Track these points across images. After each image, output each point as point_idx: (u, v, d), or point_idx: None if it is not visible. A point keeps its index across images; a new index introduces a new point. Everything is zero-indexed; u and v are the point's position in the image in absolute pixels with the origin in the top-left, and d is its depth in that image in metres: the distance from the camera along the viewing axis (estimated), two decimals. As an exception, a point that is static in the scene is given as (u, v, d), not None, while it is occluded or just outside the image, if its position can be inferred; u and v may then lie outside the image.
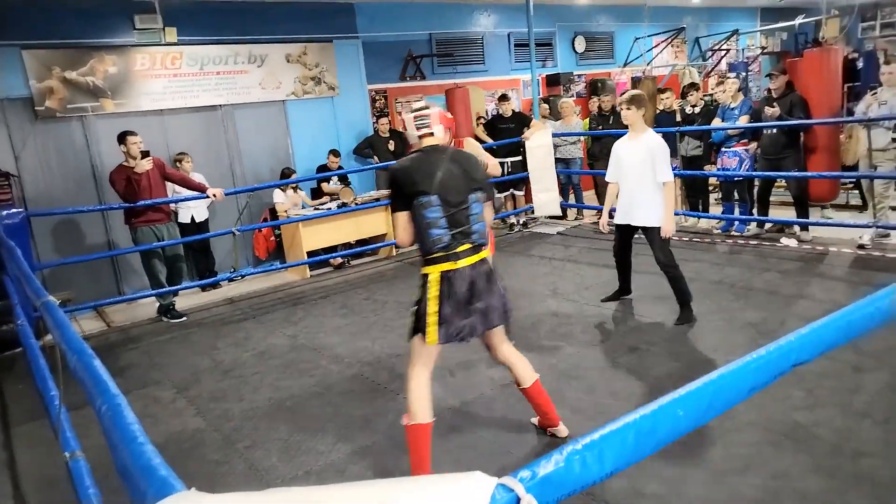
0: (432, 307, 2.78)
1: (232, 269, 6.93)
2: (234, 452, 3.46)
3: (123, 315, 6.46)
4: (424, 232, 2.79)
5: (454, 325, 2.80)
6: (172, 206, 6.48)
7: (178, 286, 6.38)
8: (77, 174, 6.80)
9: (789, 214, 6.82)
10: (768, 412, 3.18)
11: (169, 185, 6.32)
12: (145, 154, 5.82)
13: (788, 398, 3.29)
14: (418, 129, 3.02)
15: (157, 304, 6.26)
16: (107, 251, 6.81)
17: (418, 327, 2.84)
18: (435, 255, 2.79)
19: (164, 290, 6.14)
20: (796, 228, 6.66)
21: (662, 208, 4.46)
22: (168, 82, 7.17)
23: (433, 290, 2.78)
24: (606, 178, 4.87)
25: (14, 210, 5.19)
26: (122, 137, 5.78)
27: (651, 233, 4.55)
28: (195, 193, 6.18)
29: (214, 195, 6.03)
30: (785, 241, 6.43)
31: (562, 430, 3.22)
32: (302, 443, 3.47)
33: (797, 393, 3.34)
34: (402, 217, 2.84)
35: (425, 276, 2.83)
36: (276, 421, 3.76)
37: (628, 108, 4.48)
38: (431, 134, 3.01)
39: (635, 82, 8.41)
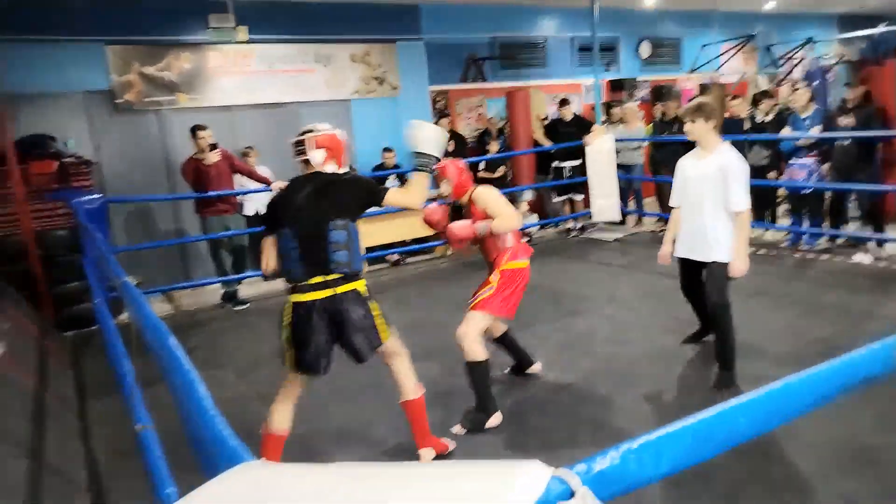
0: (285, 334, 2.85)
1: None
2: (291, 437, 3.55)
3: (190, 300, 6.75)
4: (280, 262, 2.88)
5: (309, 355, 2.80)
6: (238, 198, 6.71)
7: (243, 275, 6.61)
8: (151, 164, 7.14)
9: (865, 230, 6.52)
10: (835, 433, 3.06)
11: (236, 177, 6.56)
12: (213, 147, 6.06)
13: (858, 420, 3.15)
14: (295, 155, 2.99)
15: (222, 291, 6.51)
16: (177, 238, 7.11)
17: (283, 354, 2.91)
18: (290, 286, 2.84)
19: (229, 277, 6.38)
20: (871, 244, 6.35)
21: (732, 241, 3.65)
22: (238, 79, 7.44)
23: (286, 319, 2.84)
24: (671, 203, 4.08)
25: (94, 196, 5.48)
26: (193, 131, 6.05)
27: (711, 267, 3.74)
28: (261, 186, 6.39)
29: (279, 188, 6.22)
30: (858, 257, 6.14)
31: (427, 454, 3.18)
32: (356, 432, 3.55)
33: (867, 415, 3.19)
34: (266, 243, 2.96)
35: (286, 304, 2.87)
36: (331, 409, 3.85)
37: (692, 122, 3.66)
38: (307, 161, 2.94)
39: (703, 89, 8.20)
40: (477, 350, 3.45)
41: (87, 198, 5.30)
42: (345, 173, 3.01)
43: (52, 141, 6.02)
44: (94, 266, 5.01)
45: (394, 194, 2.95)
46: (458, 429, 3.48)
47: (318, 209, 2.82)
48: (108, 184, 6.82)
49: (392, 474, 0.79)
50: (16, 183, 5.34)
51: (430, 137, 3.01)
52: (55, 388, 3.88)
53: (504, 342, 4.08)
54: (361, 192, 2.92)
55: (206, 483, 0.85)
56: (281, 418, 3.01)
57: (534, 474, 0.78)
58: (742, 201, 3.57)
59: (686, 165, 3.88)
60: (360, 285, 2.84)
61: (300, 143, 2.95)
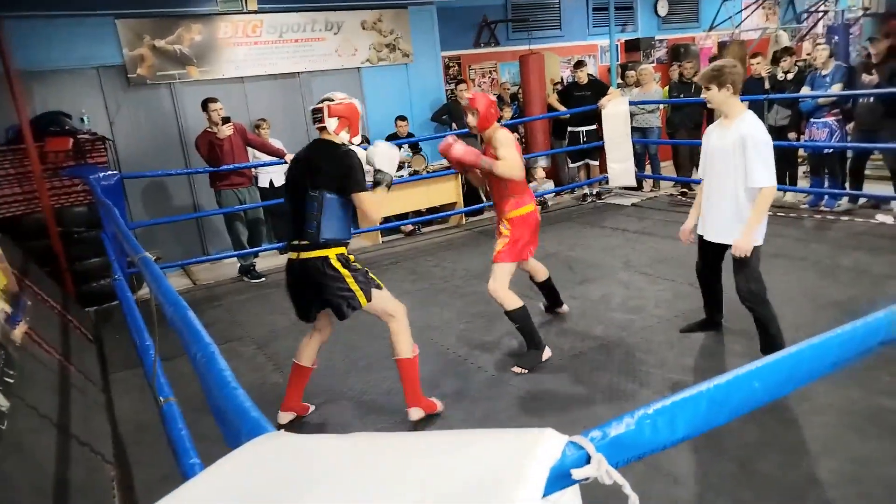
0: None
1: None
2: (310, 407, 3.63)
3: (207, 274, 6.83)
4: None
5: (297, 306, 3.24)
6: (252, 170, 6.73)
7: (259, 248, 6.67)
8: (165, 138, 7.16)
9: (886, 189, 6.39)
10: (851, 395, 3.05)
11: (249, 150, 6.56)
12: (226, 120, 6.05)
13: (874, 382, 3.14)
14: (314, 122, 3.17)
15: (239, 265, 6.58)
16: (193, 213, 7.17)
17: None
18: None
19: (245, 251, 6.44)
20: (893, 204, 6.23)
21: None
22: (249, 50, 7.39)
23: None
24: (697, 175, 3.87)
25: (110, 172, 5.52)
26: (204, 104, 6.04)
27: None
28: (274, 159, 6.39)
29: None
30: (880, 217, 6.04)
31: (415, 413, 3.31)
32: (374, 401, 3.61)
33: (884, 377, 3.18)
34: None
35: None
36: (349, 380, 3.91)
37: (708, 89, 3.33)
38: (324, 128, 3.12)
39: (721, 47, 7.99)
40: (511, 299, 3.75)
41: (103, 174, 5.34)
42: (346, 148, 3.09)
43: (68, 118, 6.05)
44: (112, 242, 5.08)
45: (365, 196, 3.03)
46: (518, 370, 3.75)
47: (303, 177, 3.05)
48: (123, 159, 6.86)
49: (409, 443, 0.80)
50: (33, 160, 5.39)
51: (386, 155, 3.18)
52: (78, 362, 3.97)
53: (546, 285, 4.40)
54: (339, 175, 3.00)
55: (228, 453, 0.87)
56: (304, 354, 3.42)
57: (549, 441, 0.79)
58: (762, 176, 3.20)
59: (711, 134, 3.52)
60: (331, 253, 3.02)
61: (317, 110, 3.12)
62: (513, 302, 3.74)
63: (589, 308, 4.66)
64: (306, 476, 0.75)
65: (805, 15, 11.58)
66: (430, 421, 3.32)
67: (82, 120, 6.54)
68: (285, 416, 3.47)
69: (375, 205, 3.09)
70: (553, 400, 3.43)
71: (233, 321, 5.26)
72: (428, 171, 7.59)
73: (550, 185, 8.37)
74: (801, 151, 7.31)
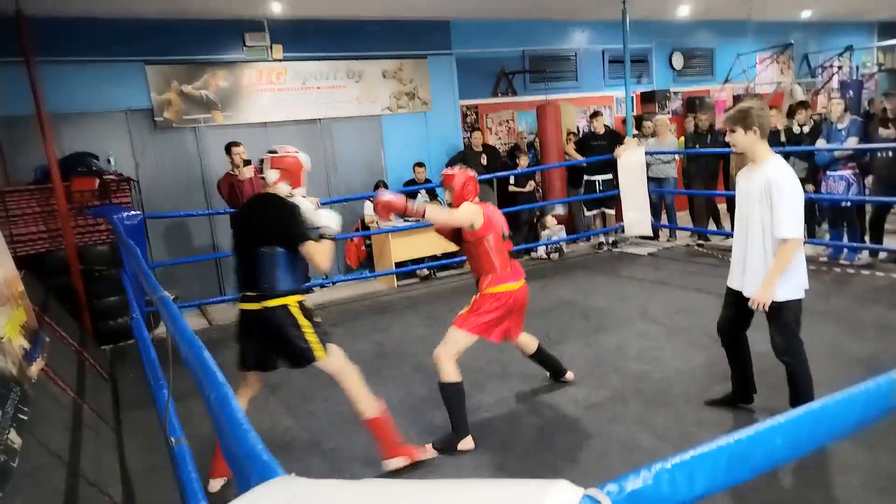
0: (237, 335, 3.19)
1: (324, 276, 7.19)
2: (320, 453, 3.59)
3: (224, 314, 6.85)
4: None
5: (247, 355, 3.16)
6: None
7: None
8: (188, 180, 7.31)
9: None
10: (877, 458, 2.96)
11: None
12: (247, 162, 6.19)
13: (900, 442, 3.04)
14: (259, 172, 3.25)
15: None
16: (212, 253, 7.25)
17: None
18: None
19: (260, 292, 6.47)
20: (915, 259, 6.16)
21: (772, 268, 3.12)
22: (272, 96, 7.59)
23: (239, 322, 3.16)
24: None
25: (133, 212, 5.63)
26: (227, 148, 6.20)
27: (771, 307, 3.17)
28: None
29: (312, 203, 6.32)
30: (901, 271, 5.96)
31: (394, 463, 3.25)
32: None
33: (911, 436, 3.08)
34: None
35: None
36: (359, 425, 3.86)
37: (732, 131, 3.16)
38: (263, 179, 3.18)
39: (736, 100, 8.08)
40: (451, 371, 3.47)
41: (126, 213, 5.44)
42: (288, 201, 3.10)
43: (94, 159, 6.21)
44: (132, 280, 5.13)
45: (311, 246, 3.00)
46: (429, 448, 3.45)
47: (250, 231, 3.08)
48: (146, 199, 6.99)
49: (421, 490, 0.79)
50: (59, 199, 5.52)
51: (330, 217, 3.16)
52: (92, 400, 3.97)
53: (537, 357, 4.10)
54: (281, 229, 3.01)
55: (239, 497, 0.87)
56: None
57: (564, 493, 0.77)
58: (789, 227, 3.00)
59: (740, 180, 3.34)
60: (290, 301, 3.01)
61: (262, 161, 3.20)
62: (451, 375, 3.46)
63: (605, 357, 4.60)
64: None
65: (820, 70, 11.70)
66: (439, 471, 3.25)
67: (108, 161, 6.71)
68: (216, 484, 3.21)
69: (323, 254, 3.03)
70: (567, 451, 3.36)
71: (246, 362, 5.25)
72: (444, 217, 7.64)
73: (563, 232, 8.40)
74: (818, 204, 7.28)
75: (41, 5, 5.75)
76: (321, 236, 3.08)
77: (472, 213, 3.52)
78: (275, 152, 3.19)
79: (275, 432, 3.86)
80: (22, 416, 2.60)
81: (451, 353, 3.48)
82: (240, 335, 3.16)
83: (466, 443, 3.47)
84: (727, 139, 3.29)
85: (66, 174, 5.66)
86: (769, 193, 3.04)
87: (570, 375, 4.22)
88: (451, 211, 3.58)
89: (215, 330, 6.37)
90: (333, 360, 3.12)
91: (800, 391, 3.24)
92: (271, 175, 3.14)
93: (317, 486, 0.85)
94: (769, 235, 3.09)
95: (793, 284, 3.13)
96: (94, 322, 5.77)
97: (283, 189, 3.13)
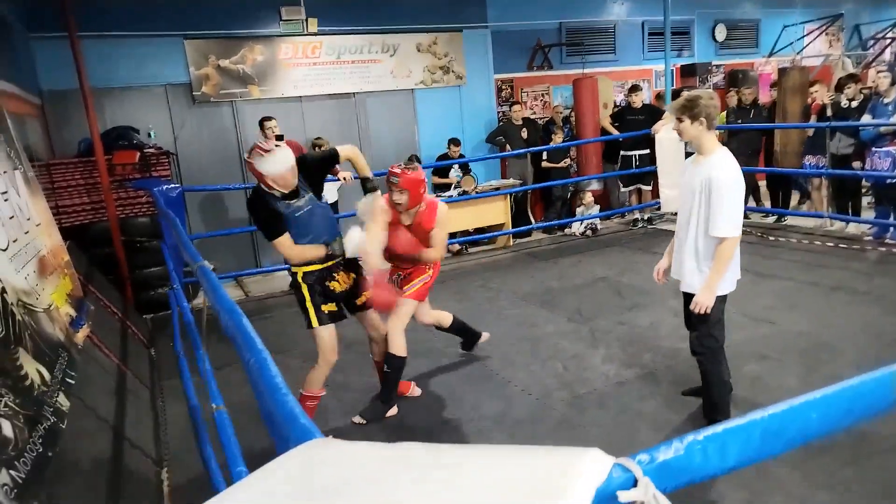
0: None
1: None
2: (352, 423, 3.66)
3: (260, 286, 7.00)
4: None
5: None
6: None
7: (309, 263, 6.79)
8: (225, 154, 7.42)
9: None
10: (916, 438, 2.89)
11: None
12: (279, 138, 6.23)
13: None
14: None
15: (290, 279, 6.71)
16: (248, 226, 7.37)
17: None
18: None
19: (295, 265, 6.57)
20: (965, 239, 5.93)
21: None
22: (308, 70, 7.61)
23: None
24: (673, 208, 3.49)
25: (173, 185, 5.76)
26: (261, 123, 6.27)
27: (693, 302, 3.03)
28: (328, 176, 6.52)
29: (344, 178, 6.34)
30: (950, 252, 5.75)
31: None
32: (416, 422, 3.62)
33: (954, 420, 3.00)
34: None
35: None
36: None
37: (680, 120, 3.02)
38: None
39: (782, 73, 7.81)
40: (401, 345, 3.68)
41: (166, 186, 5.56)
42: (257, 199, 3.29)
43: (135, 132, 6.34)
44: (172, 252, 5.27)
45: (277, 245, 3.29)
46: (357, 419, 3.67)
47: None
48: (184, 173, 7.13)
49: (457, 454, 0.81)
50: (102, 172, 5.66)
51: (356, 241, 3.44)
52: (134, 367, 4.11)
53: (452, 328, 4.27)
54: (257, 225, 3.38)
55: (277, 457, 0.90)
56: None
57: (596, 461, 0.78)
58: (723, 226, 2.85)
59: (685, 170, 3.22)
60: (298, 270, 3.39)
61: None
62: (401, 349, 3.66)
63: (637, 335, 4.57)
64: (354, 481, 0.76)
65: (871, 42, 11.21)
66: (470, 441, 3.30)
67: (149, 135, 6.85)
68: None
69: (286, 252, 3.32)
70: (597, 426, 3.37)
71: (282, 333, 5.36)
72: (477, 192, 7.63)
73: (597, 209, 8.30)
74: (864, 181, 7.05)
75: (83, -20, 5.85)
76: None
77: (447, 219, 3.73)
78: (250, 154, 3.31)
79: (309, 401, 3.95)
80: (69, 381, 2.72)
81: (404, 324, 3.70)
82: None
83: (392, 410, 3.74)
84: (673, 128, 3.17)
85: (108, 148, 5.80)
86: (709, 189, 2.88)
87: (485, 335, 4.45)
88: (439, 244, 3.75)
89: (251, 301, 6.51)
90: (318, 333, 3.40)
91: (710, 395, 3.16)
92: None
93: (355, 447, 0.87)
94: (702, 232, 2.95)
95: (726, 281, 3.00)
96: (135, 292, 5.95)
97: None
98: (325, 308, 3.40)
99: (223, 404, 2.48)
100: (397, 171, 3.58)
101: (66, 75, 5.78)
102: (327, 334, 3.40)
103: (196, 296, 6.28)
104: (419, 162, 7.92)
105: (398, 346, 3.66)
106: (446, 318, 4.20)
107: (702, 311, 2.98)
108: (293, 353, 4.82)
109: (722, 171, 2.88)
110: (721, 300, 3.04)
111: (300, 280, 3.39)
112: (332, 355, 3.42)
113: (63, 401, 2.55)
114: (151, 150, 6.11)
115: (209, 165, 7.31)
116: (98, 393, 3.16)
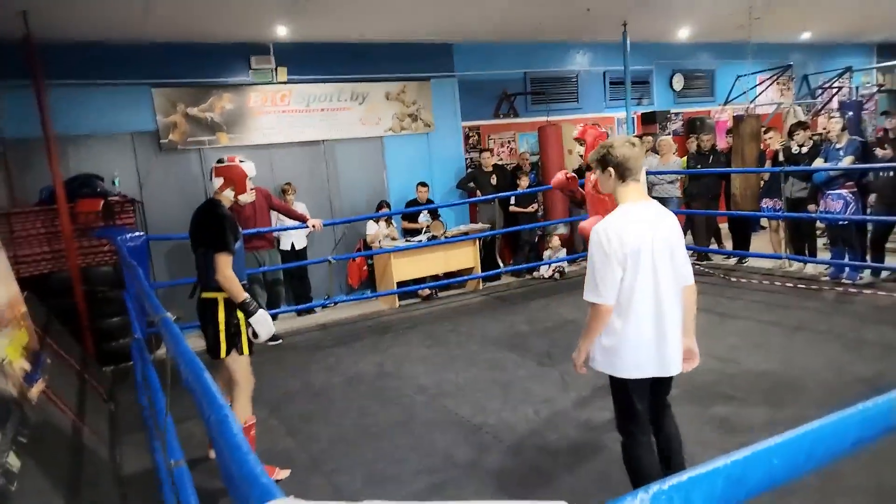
0: None
1: (326, 296, 7.20)
2: (321, 474, 3.57)
3: (225, 335, 6.84)
4: None
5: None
6: (275, 233, 6.85)
7: (276, 310, 6.70)
8: (192, 202, 7.29)
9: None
10: (881, 477, 2.93)
11: (273, 213, 6.70)
12: (249, 185, 6.21)
13: (906, 463, 3.01)
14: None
15: (256, 327, 6.59)
16: (213, 274, 7.26)
17: None
18: None
19: (262, 313, 6.47)
20: (918, 278, 6.15)
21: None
22: (277, 118, 7.66)
23: None
24: None
25: (137, 233, 5.66)
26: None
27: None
28: (297, 223, 6.51)
29: (314, 225, 6.33)
30: (904, 291, 5.94)
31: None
32: (385, 470, 3.53)
33: (916, 457, 3.05)
34: None
35: None
36: (360, 446, 3.85)
37: (594, 171, 2.88)
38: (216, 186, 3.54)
39: (737, 121, 8.13)
40: None
41: (130, 235, 5.47)
42: (218, 211, 3.41)
43: (100, 180, 6.26)
44: (134, 302, 5.14)
45: (220, 257, 3.25)
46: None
47: (192, 233, 3.49)
48: (150, 221, 7.03)
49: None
50: (63, 221, 5.55)
51: (264, 323, 3.40)
52: (92, 422, 3.96)
53: None
54: (204, 235, 3.37)
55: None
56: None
57: (560, 516, 0.77)
58: (588, 290, 2.58)
59: None
60: (219, 296, 3.36)
61: (211, 170, 3.59)
62: None
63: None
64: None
65: (819, 91, 11.77)
66: (440, 493, 3.23)
67: (114, 182, 6.77)
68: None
69: (224, 270, 3.27)
70: (568, 473, 3.33)
71: (247, 383, 5.23)
72: (446, 237, 7.67)
73: (564, 253, 8.42)
74: (819, 223, 7.29)
75: (50, 29, 5.85)
76: (242, 307, 3.35)
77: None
78: (221, 161, 3.57)
79: (274, 453, 3.84)
80: (21, 439, 2.60)
81: None
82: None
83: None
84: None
85: (71, 195, 5.70)
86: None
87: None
88: None
89: (217, 350, 6.35)
90: (234, 363, 3.42)
91: (631, 474, 2.71)
92: (215, 183, 3.52)
93: (314, 508, 0.85)
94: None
95: (609, 361, 2.64)
96: (96, 343, 5.77)
97: (227, 195, 3.52)
98: (235, 332, 3.44)
99: (182, 459, 2.40)
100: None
101: (30, 123, 5.71)
102: (244, 360, 3.48)
103: (159, 346, 6.12)
104: (388, 207, 7.98)
105: None
106: None
107: (577, 369, 2.75)
108: (259, 403, 4.70)
109: (596, 230, 2.55)
110: (624, 385, 2.64)
111: (219, 307, 3.37)
112: (250, 378, 3.54)
113: (13, 460, 2.43)
114: (116, 198, 6.03)
115: (176, 213, 7.21)
116: (52, 451, 3.02)
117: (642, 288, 2.51)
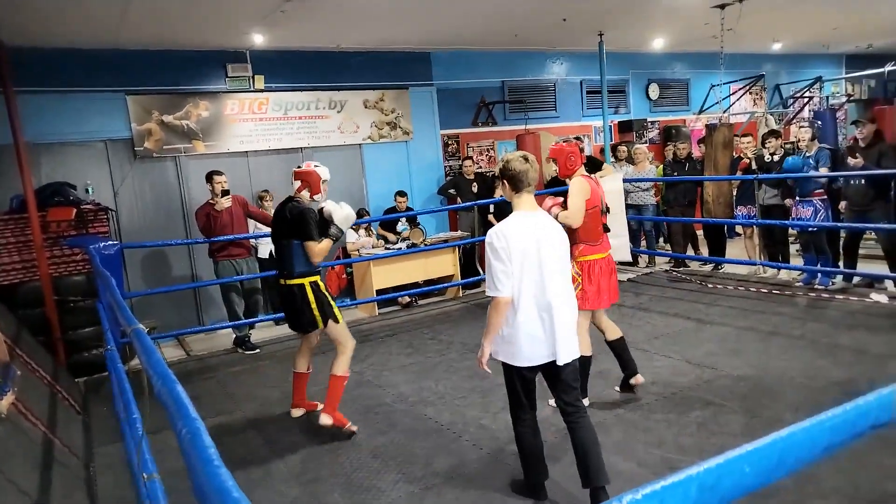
0: None
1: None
2: (299, 485, 3.53)
3: (202, 344, 6.76)
4: None
5: (289, 319, 4.15)
6: (253, 241, 6.79)
7: (254, 319, 6.63)
8: (168, 210, 7.27)
9: (880, 268, 6.44)
10: (856, 480, 2.97)
11: (251, 221, 6.64)
12: (226, 192, 6.16)
13: (880, 466, 3.06)
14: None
15: (234, 336, 6.52)
16: (190, 283, 7.18)
17: None
18: None
19: (241, 322, 6.40)
20: (888, 283, 6.27)
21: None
22: (254, 126, 7.61)
23: None
24: None
25: (110, 242, 5.57)
26: (209, 176, 6.18)
27: None
28: (273, 231, 6.46)
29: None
30: (875, 296, 6.06)
31: (325, 419, 3.99)
32: (364, 480, 3.50)
33: (890, 461, 3.11)
34: None
35: None
36: (339, 456, 3.81)
37: (499, 185, 3.12)
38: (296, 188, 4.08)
39: (711, 129, 8.25)
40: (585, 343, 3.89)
41: (103, 244, 5.38)
42: (304, 205, 3.97)
43: (72, 188, 6.16)
44: (107, 312, 5.05)
45: (311, 245, 3.88)
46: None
47: (279, 226, 4.05)
48: (125, 229, 6.93)
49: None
50: (34, 230, 5.44)
51: (346, 217, 4.07)
52: (63, 435, 3.87)
53: (614, 348, 4.33)
54: (295, 226, 3.91)
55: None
56: (300, 363, 4.39)
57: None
58: (488, 287, 2.92)
59: None
60: (305, 281, 3.95)
61: (291, 174, 4.17)
62: (587, 349, 3.97)
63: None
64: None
65: (791, 100, 12.02)
66: (419, 502, 3.21)
67: (87, 191, 6.66)
68: (296, 412, 4.46)
69: (317, 252, 3.89)
70: (549, 479, 3.33)
71: (225, 393, 5.17)
72: (425, 244, 7.67)
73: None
74: (792, 231, 7.42)
75: (22, 36, 5.75)
76: (328, 236, 3.94)
77: (581, 198, 3.97)
78: (299, 167, 4.13)
79: (251, 464, 3.80)
80: (-10, 453, 2.53)
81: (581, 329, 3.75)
82: (281, 305, 4.19)
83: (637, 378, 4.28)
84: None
85: (42, 204, 5.60)
86: None
87: (639, 379, 4.34)
88: (569, 212, 3.95)
89: (193, 360, 6.27)
90: (332, 330, 4.00)
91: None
92: (295, 185, 4.05)
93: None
94: None
95: (507, 350, 2.95)
96: (68, 354, 5.65)
97: (304, 195, 4.03)
98: (327, 305, 4.02)
99: (156, 472, 2.35)
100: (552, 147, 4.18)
101: (1, 130, 5.60)
102: (341, 325, 4.05)
103: (133, 356, 6.02)
104: (368, 215, 7.96)
105: (585, 347, 3.85)
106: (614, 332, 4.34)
107: (480, 366, 3.03)
108: (236, 415, 4.65)
109: (491, 233, 2.88)
110: (511, 370, 3.00)
111: (306, 290, 3.95)
112: (352, 340, 4.09)
113: (-20, 476, 2.36)
114: (89, 207, 5.93)
115: (151, 221, 7.14)
116: (22, 465, 2.95)
117: (529, 284, 2.85)
